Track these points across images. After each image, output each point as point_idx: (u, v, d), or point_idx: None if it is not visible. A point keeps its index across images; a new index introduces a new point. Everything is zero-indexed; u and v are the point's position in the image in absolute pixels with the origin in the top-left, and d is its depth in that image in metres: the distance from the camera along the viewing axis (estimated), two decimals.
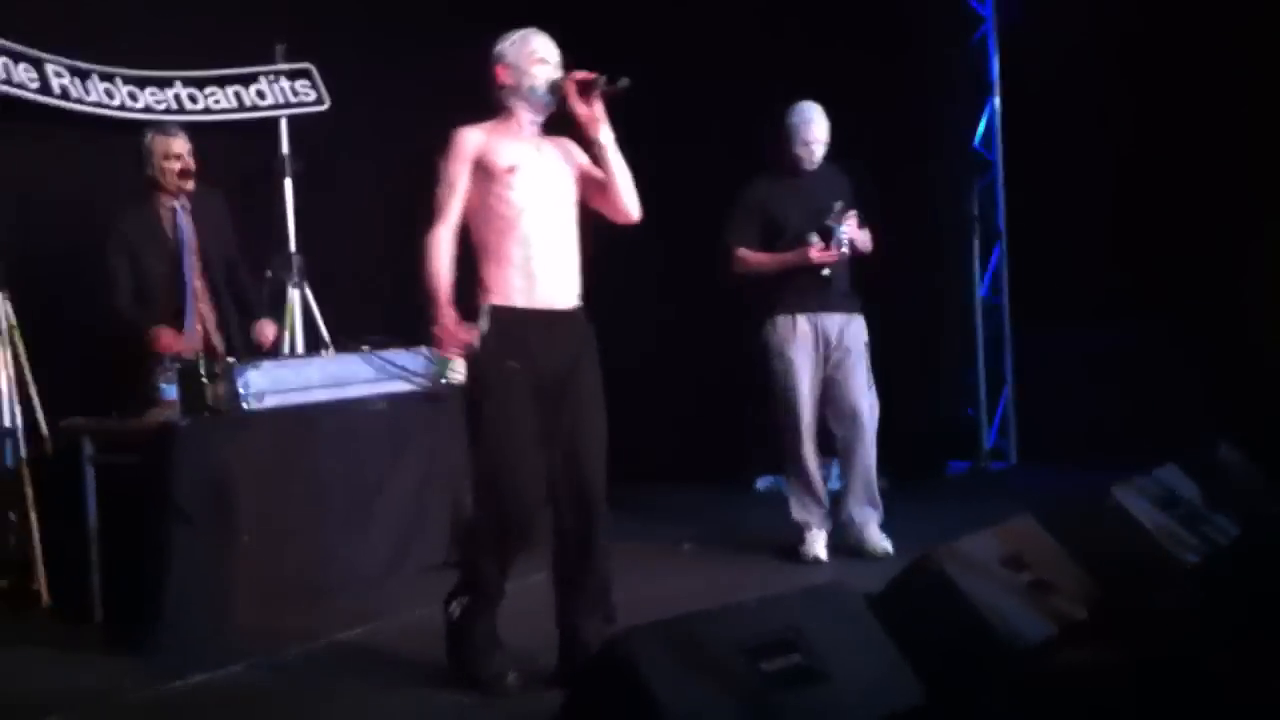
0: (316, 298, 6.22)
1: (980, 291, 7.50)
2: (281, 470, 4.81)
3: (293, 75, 6.37)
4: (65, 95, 5.58)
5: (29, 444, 5.13)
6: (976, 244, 7.48)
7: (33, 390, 5.18)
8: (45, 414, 5.17)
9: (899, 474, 6.11)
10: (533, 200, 3.75)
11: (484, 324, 3.73)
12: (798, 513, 5.35)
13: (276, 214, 6.33)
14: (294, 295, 6.21)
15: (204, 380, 4.68)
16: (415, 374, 5.28)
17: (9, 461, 5.11)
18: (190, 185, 5.15)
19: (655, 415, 6.76)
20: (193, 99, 6.03)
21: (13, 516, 5.05)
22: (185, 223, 5.17)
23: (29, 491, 5.05)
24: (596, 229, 3.95)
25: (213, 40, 6.13)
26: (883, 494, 5.38)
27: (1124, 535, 3.75)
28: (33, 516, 5.01)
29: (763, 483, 6.94)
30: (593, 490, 3.77)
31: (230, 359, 4.85)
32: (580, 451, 3.76)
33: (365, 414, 5.09)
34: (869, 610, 3.20)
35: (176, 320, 5.10)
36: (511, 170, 3.73)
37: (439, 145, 3.81)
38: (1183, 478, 4.25)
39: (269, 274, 6.16)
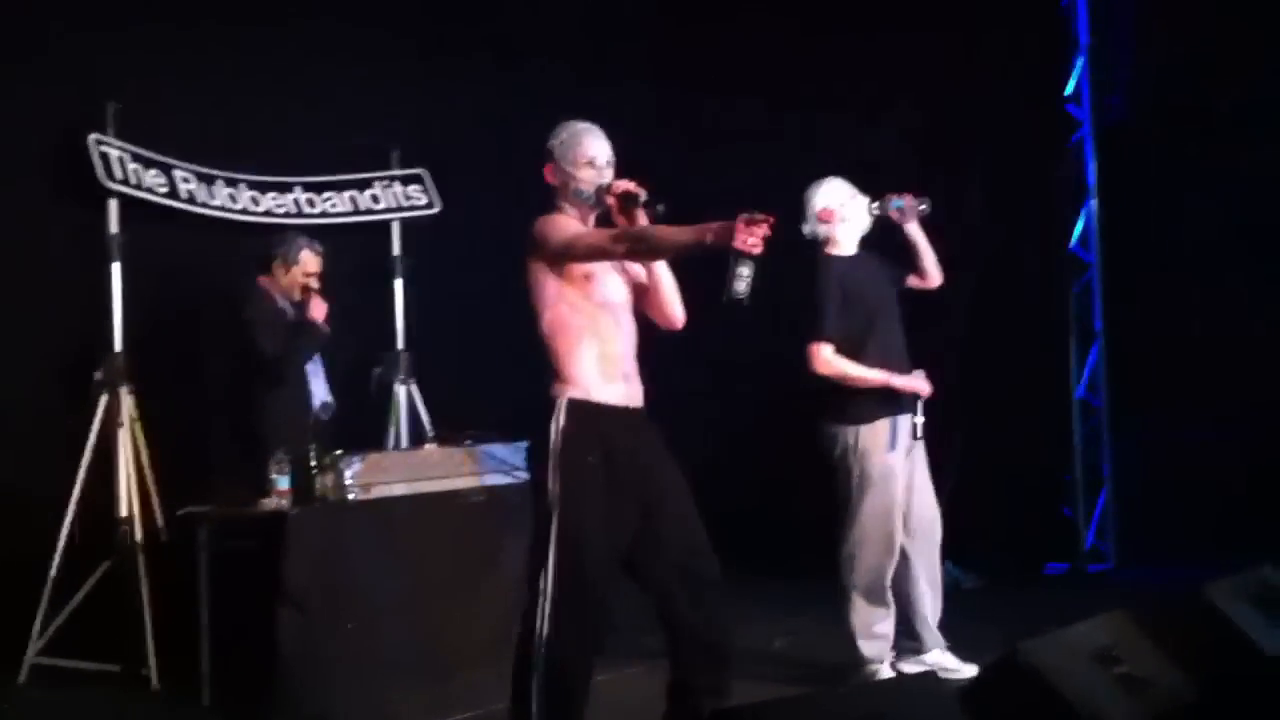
0: (422, 393, 6.42)
1: (1078, 392, 7.48)
2: (387, 558, 4.94)
3: (406, 180, 6.65)
4: (192, 199, 5.92)
5: (145, 532, 5.35)
6: (1074, 344, 7.47)
7: (150, 479, 5.42)
8: (162, 503, 5.40)
9: (995, 575, 6.04)
10: (608, 298, 3.73)
11: (562, 419, 3.61)
12: (869, 648, 4.79)
13: (387, 312, 6.57)
14: (400, 390, 6.42)
15: (314, 470, 4.87)
16: (515, 467, 5.41)
17: (126, 548, 5.32)
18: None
19: (744, 505, 6.81)
20: (311, 203, 6.34)
21: (126, 602, 5.24)
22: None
23: (144, 578, 5.25)
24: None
25: (331, 147, 6.45)
26: (978, 595, 5.23)
27: (1217, 632, 3.71)
28: (146, 602, 5.21)
29: None
30: (705, 561, 3.68)
31: (339, 451, 5.03)
32: (683, 525, 3.69)
33: (467, 505, 5.22)
34: (958, 703, 3.21)
35: (296, 397, 5.35)
36: (590, 272, 3.70)
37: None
38: (1277, 576, 4.19)
39: (377, 370, 6.39)
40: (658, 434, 3.80)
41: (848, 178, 4.96)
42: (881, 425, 4.78)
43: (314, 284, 5.44)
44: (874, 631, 4.81)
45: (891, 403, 4.78)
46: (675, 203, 3.60)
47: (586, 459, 3.59)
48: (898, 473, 4.79)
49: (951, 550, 6.67)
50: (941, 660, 4.88)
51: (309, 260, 5.46)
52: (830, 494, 4.88)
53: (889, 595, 4.82)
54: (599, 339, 3.69)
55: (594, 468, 3.59)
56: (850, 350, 4.78)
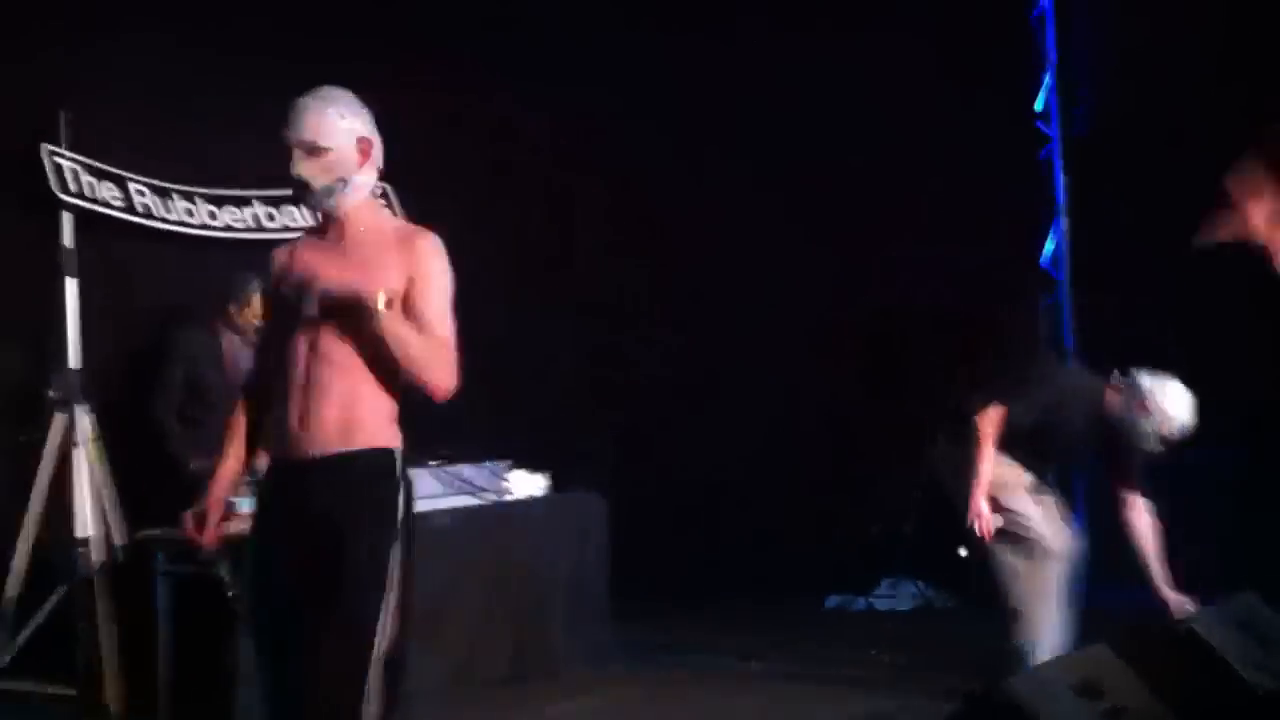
0: None
1: None
2: None
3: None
4: (148, 213, 5.78)
5: (103, 554, 5.22)
6: None
7: (108, 501, 5.29)
8: (120, 525, 5.27)
9: (968, 595, 6.03)
10: None
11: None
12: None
13: None
14: None
15: None
16: (482, 488, 5.32)
17: (83, 571, 5.20)
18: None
19: (726, 527, 6.77)
20: (270, 217, 6.20)
21: (84, 624, 5.13)
22: (245, 357, 5.28)
23: (100, 602, 5.13)
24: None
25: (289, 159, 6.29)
26: (950, 614, 5.21)
27: (1198, 662, 3.67)
28: (104, 626, 5.09)
29: (831, 601, 6.87)
30: None
31: None
32: None
33: (432, 529, 5.12)
34: None
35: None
36: None
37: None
38: (1261, 606, 4.16)
39: None
40: None
41: None
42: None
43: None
44: None
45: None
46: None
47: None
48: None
49: (923, 570, 6.71)
50: None
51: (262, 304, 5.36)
52: None
53: None
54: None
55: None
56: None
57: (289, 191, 5.96)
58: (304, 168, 3.03)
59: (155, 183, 5.82)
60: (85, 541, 5.22)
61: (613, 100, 7.12)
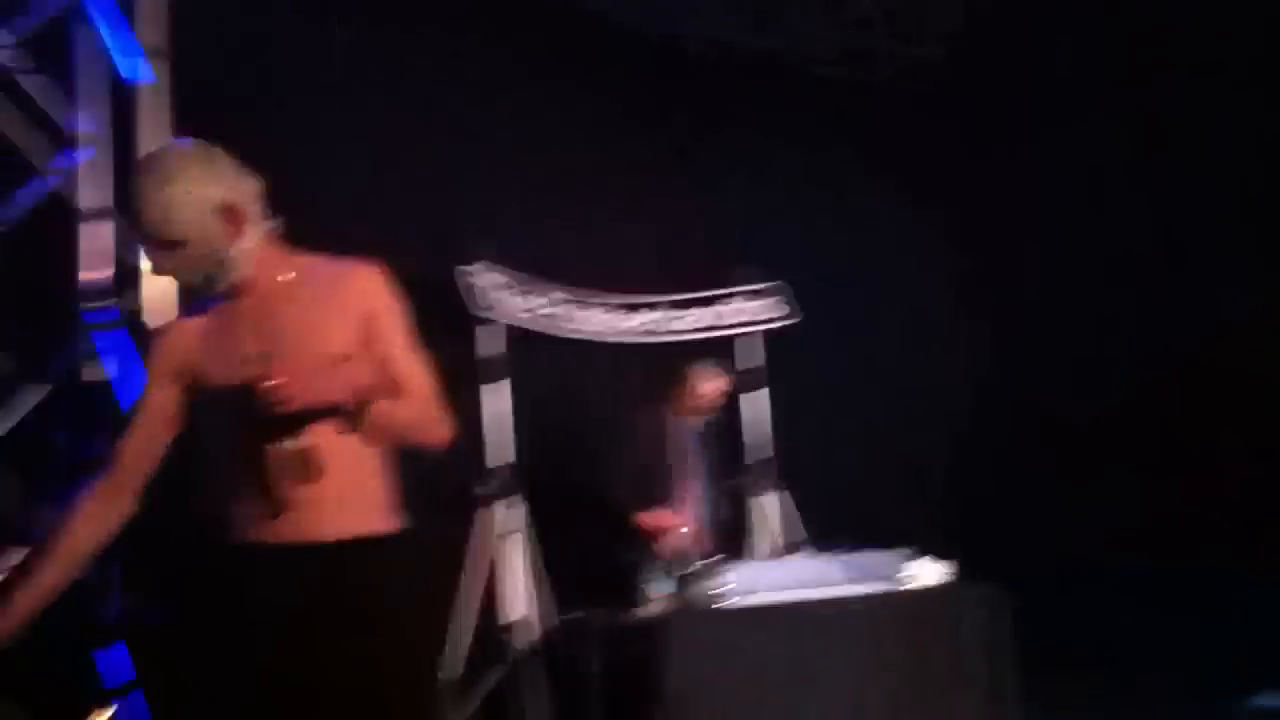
0: (787, 500, 6.49)
1: None
2: (766, 666, 4.95)
3: (765, 293, 6.81)
4: (564, 321, 6.25)
5: (534, 638, 5.58)
6: None
7: (538, 586, 5.67)
8: (549, 610, 5.64)
9: None
10: None
11: None
12: None
13: (750, 421, 6.70)
14: (771, 499, 6.49)
15: (691, 577, 4.98)
16: (887, 575, 5.35)
17: (515, 653, 5.55)
18: (700, 421, 5.81)
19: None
20: (678, 319, 6.58)
21: (517, 704, 5.46)
22: (697, 439, 5.79)
23: (533, 682, 5.47)
24: None
25: (690, 266, 6.71)
26: None
27: None
28: (535, 706, 5.39)
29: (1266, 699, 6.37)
30: None
31: (716, 557, 5.13)
32: None
33: (846, 613, 5.18)
34: None
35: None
36: None
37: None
38: None
39: (739, 479, 6.49)
40: None
41: None
42: None
43: (704, 405, 5.78)
44: None
45: None
46: None
47: None
48: None
49: None
50: None
51: (697, 381, 5.78)
52: None
53: None
54: None
55: None
56: None
57: (694, 295, 6.41)
58: (163, 267, 2.52)
59: (569, 293, 6.29)
60: (515, 625, 5.59)
61: None
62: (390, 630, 2.54)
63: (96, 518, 2.58)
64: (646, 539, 5.42)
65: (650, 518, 5.47)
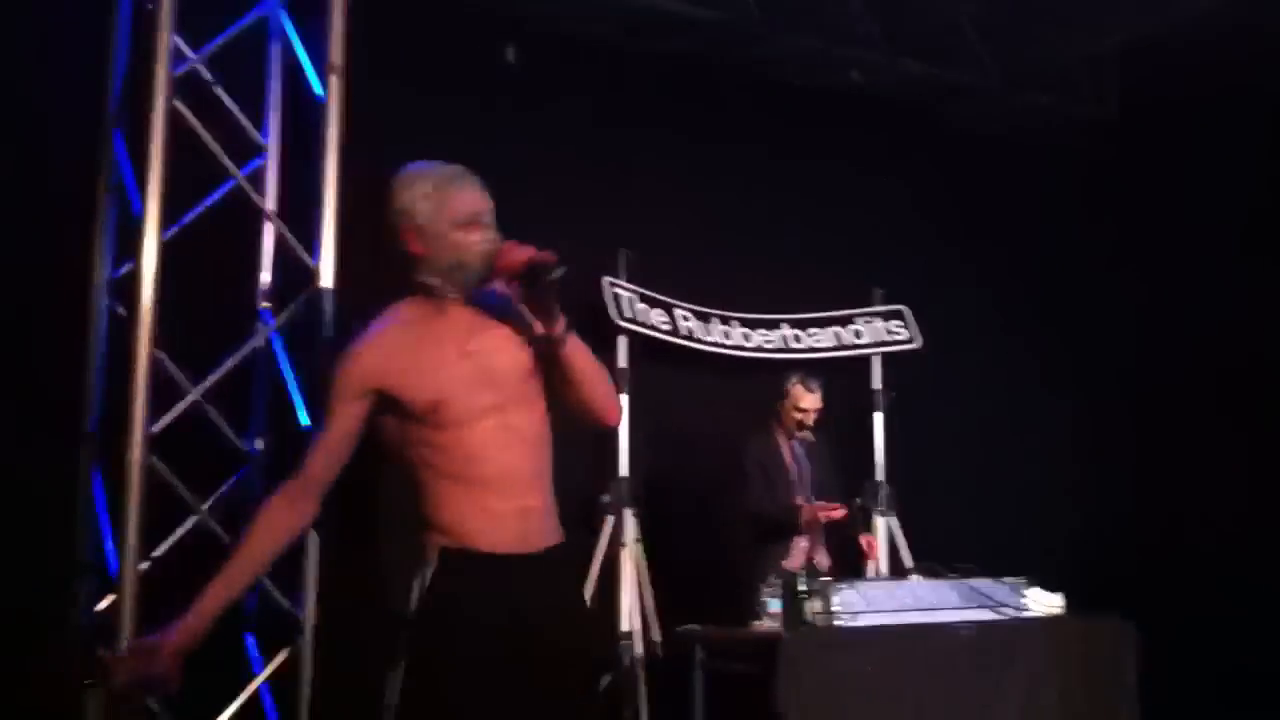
0: (902, 525, 6.50)
1: None
2: (874, 686, 4.95)
3: (887, 316, 6.84)
4: (690, 336, 6.37)
5: (645, 648, 5.69)
6: None
7: (649, 598, 5.77)
8: (660, 621, 5.73)
9: None
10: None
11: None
12: None
13: (866, 444, 6.73)
14: (881, 522, 6.51)
15: (804, 595, 5.02)
16: (1002, 603, 5.34)
17: (627, 662, 5.68)
18: (808, 435, 5.92)
19: None
20: (797, 339, 6.66)
21: (627, 714, 5.58)
22: (803, 457, 5.89)
23: (643, 690, 5.58)
24: None
25: (816, 286, 6.77)
26: None
27: None
28: (645, 715, 5.52)
29: None
30: None
31: (828, 578, 5.17)
32: None
33: (957, 638, 5.18)
34: None
35: (783, 541, 5.64)
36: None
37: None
38: None
39: (858, 501, 6.51)
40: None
41: None
42: None
43: (799, 416, 5.83)
44: None
45: None
46: None
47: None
48: None
49: None
50: None
51: (797, 395, 5.83)
52: None
53: None
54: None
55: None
56: None
57: (814, 315, 6.47)
58: (492, 244, 2.81)
59: (697, 308, 6.42)
60: (629, 635, 5.71)
61: None
62: (590, 629, 2.95)
63: (284, 522, 2.72)
64: (807, 527, 5.67)
65: (812, 508, 5.65)
